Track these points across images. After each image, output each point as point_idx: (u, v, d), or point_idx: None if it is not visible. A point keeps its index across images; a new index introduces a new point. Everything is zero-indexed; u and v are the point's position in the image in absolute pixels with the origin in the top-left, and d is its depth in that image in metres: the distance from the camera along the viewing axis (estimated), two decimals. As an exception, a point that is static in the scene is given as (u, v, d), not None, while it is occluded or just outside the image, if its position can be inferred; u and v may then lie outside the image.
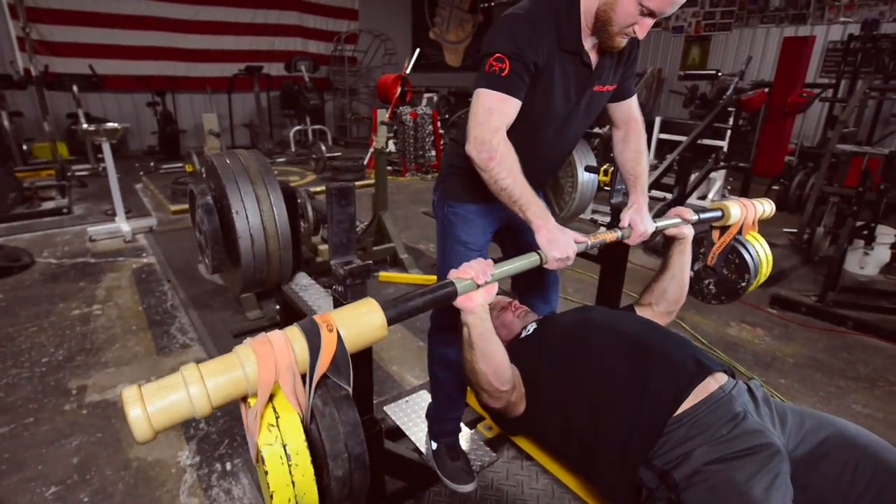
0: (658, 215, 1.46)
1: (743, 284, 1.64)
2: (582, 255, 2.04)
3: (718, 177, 5.53)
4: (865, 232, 3.51)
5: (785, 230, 4.62)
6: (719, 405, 1.07)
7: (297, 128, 8.14)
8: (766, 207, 1.59)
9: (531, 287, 1.71)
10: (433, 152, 7.01)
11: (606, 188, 1.97)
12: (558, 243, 1.15)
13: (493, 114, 1.17)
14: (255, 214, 1.46)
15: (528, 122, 1.28)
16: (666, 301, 1.49)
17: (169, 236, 4.35)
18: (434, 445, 1.69)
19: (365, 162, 6.60)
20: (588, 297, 3.25)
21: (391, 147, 6.68)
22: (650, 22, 1.16)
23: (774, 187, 5.33)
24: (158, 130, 7.37)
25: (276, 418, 0.67)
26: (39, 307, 3.02)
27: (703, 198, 5.59)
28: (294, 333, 0.73)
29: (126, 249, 4.04)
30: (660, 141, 6.39)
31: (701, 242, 1.66)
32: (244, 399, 0.71)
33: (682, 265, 1.47)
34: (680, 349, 1.20)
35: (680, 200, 3.89)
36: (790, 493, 0.94)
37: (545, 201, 1.46)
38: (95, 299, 3.15)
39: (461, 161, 1.39)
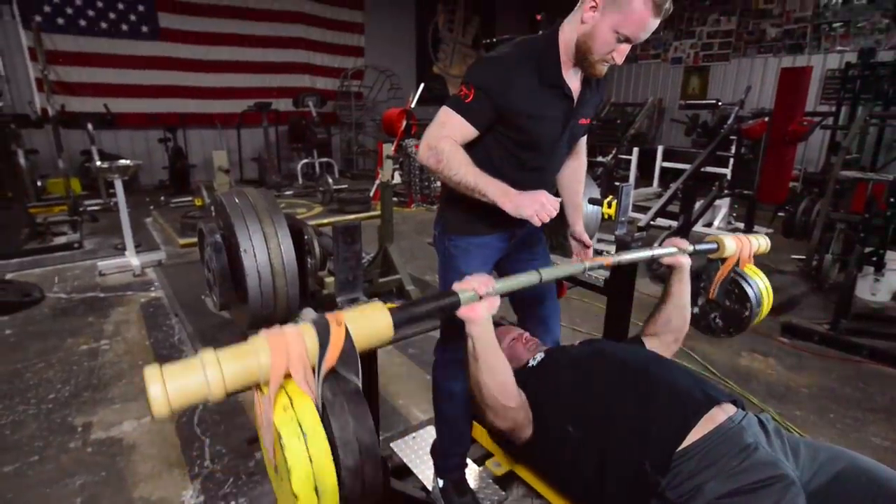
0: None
1: (747, 314, 1.64)
2: (588, 285, 2.05)
3: (723, 204, 5.55)
4: (875, 258, 3.48)
5: (793, 257, 4.59)
6: (729, 436, 1.06)
7: (305, 161, 8.29)
8: (761, 243, 1.62)
9: (533, 317, 1.71)
10: (438, 183, 7.09)
11: (610, 219, 1.98)
12: (524, 202, 1.19)
13: (445, 126, 1.27)
14: (263, 252, 1.48)
15: (516, 152, 1.35)
16: (670, 330, 1.50)
17: (177, 269, 4.39)
18: (441, 483, 1.66)
19: (371, 194, 6.68)
20: (596, 328, 3.22)
21: (397, 178, 6.77)
22: (627, 48, 1.23)
23: (780, 213, 5.32)
24: (169, 165, 7.53)
25: (290, 401, 0.70)
26: (48, 342, 3.03)
27: (709, 225, 5.60)
28: (305, 327, 0.77)
29: (135, 283, 4.08)
30: (663, 169, 6.45)
31: (700, 277, 1.68)
32: (258, 389, 0.74)
33: (681, 293, 1.50)
34: (685, 380, 1.20)
35: (685, 228, 3.90)
36: None
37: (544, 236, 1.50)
38: (103, 334, 3.17)
39: (459, 194, 1.43)
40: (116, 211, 4.32)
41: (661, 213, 4.42)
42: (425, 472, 1.82)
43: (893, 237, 3.25)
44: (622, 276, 1.86)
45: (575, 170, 1.61)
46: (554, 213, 1.21)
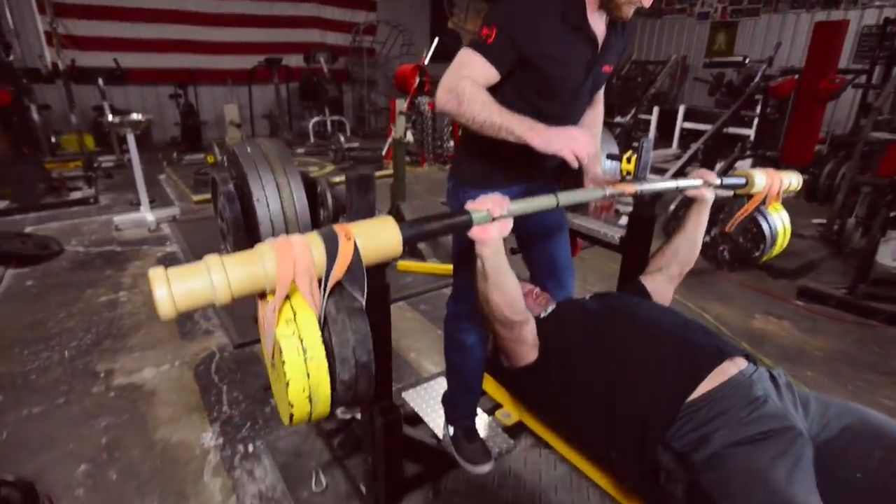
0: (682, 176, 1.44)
1: (757, 254, 1.61)
2: (604, 244, 2.01)
3: (745, 166, 5.40)
4: (900, 223, 3.38)
5: (814, 221, 4.48)
6: (739, 388, 1.05)
7: (316, 118, 8.18)
8: (792, 181, 1.55)
9: (546, 273, 1.69)
10: (451, 142, 6.97)
11: (628, 176, 1.93)
12: (555, 136, 1.14)
13: (465, 67, 1.20)
14: (276, 202, 1.47)
15: (535, 101, 1.29)
16: (677, 262, 1.48)
17: (192, 225, 4.42)
18: (451, 430, 1.70)
19: (383, 152, 6.60)
20: (609, 289, 3.20)
21: (409, 137, 6.68)
22: None
23: (804, 177, 5.18)
24: (181, 122, 7.48)
25: (294, 314, 0.69)
26: (68, 293, 3.11)
27: (728, 188, 5.47)
28: (313, 238, 0.75)
29: (150, 238, 4.13)
30: (683, 130, 6.26)
31: (722, 209, 1.62)
32: (262, 297, 0.73)
33: (697, 227, 1.47)
34: (698, 334, 1.19)
35: (704, 190, 3.80)
36: (812, 477, 0.92)
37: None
38: (122, 286, 3.23)
39: (476, 146, 1.39)
40: (130, 167, 4.33)
41: (679, 174, 4.33)
42: (436, 420, 1.86)
43: (921, 201, 3.14)
44: (639, 233, 1.83)
45: (593, 118, 1.56)
46: (591, 150, 1.15)
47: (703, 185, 1.42)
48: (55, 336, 2.64)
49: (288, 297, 0.72)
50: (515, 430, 1.88)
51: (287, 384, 0.67)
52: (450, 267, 3.41)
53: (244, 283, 0.70)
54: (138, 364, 2.42)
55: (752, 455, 0.93)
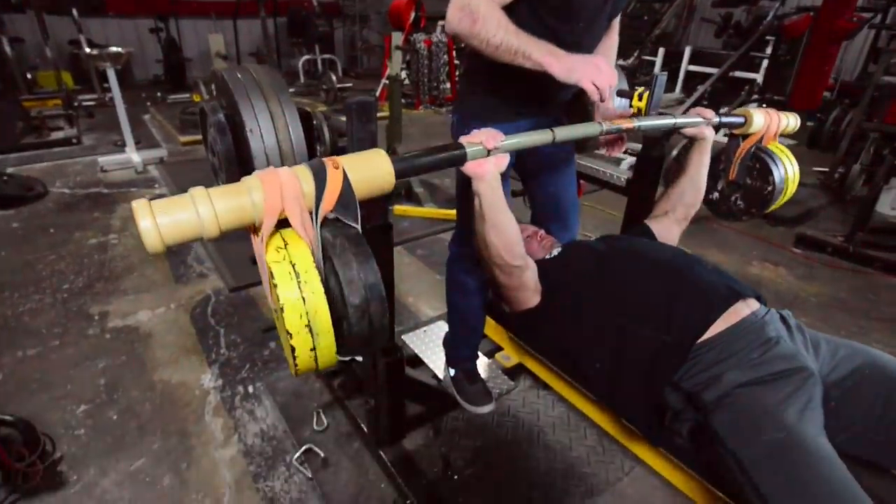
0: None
1: (770, 189, 1.56)
2: (610, 185, 1.96)
3: (749, 112, 5.26)
4: (904, 170, 3.33)
5: (815, 169, 4.43)
6: (751, 329, 1.04)
7: (306, 57, 7.81)
8: (790, 121, 1.51)
9: (550, 214, 1.64)
10: (448, 84, 6.71)
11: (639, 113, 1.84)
12: (577, 64, 1.05)
13: None
14: (271, 133, 1.38)
15: (553, 25, 1.18)
16: (683, 205, 1.44)
17: (180, 167, 4.28)
18: (452, 372, 1.70)
19: (377, 93, 6.35)
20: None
21: (404, 77, 6.41)
22: None
23: (809, 123, 5.07)
24: (163, 59, 7.11)
25: (285, 244, 0.69)
26: (56, 236, 3.03)
27: (731, 135, 5.35)
28: (301, 169, 0.74)
29: (138, 180, 4.00)
30: (688, 73, 6.05)
31: (719, 159, 1.57)
32: (255, 233, 0.72)
33: (700, 166, 1.42)
34: (710, 274, 1.16)
35: (708, 135, 3.70)
36: (821, 417, 0.92)
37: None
38: (111, 229, 3.15)
39: (482, 77, 1.30)
40: (112, 106, 4.14)
41: (683, 119, 4.20)
42: (436, 362, 1.87)
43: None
44: (646, 173, 1.77)
45: (609, 47, 1.45)
46: (613, 82, 1.06)
47: (702, 123, 1.35)
48: (46, 278, 2.59)
49: (279, 230, 0.72)
50: (515, 372, 1.89)
51: (281, 311, 0.66)
52: (447, 212, 3.36)
53: (232, 214, 0.69)
54: (133, 307, 2.39)
55: (764, 394, 0.93)
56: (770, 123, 1.48)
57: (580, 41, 1.24)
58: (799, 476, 0.84)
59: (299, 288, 0.66)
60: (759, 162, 1.55)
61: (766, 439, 0.87)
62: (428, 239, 3.18)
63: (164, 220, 0.65)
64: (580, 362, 1.23)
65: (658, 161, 1.75)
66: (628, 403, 1.16)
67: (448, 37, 6.50)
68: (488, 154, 0.97)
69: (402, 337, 2.02)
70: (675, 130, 1.37)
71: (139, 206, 0.65)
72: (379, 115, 4.85)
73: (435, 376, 1.83)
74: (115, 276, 2.63)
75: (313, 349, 0.70)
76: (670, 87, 6.37)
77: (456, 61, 6.47)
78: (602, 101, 1.09)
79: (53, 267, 2.70)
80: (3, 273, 2.62)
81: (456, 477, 1.53)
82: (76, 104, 5.31)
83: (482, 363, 1.88)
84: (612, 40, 1.45)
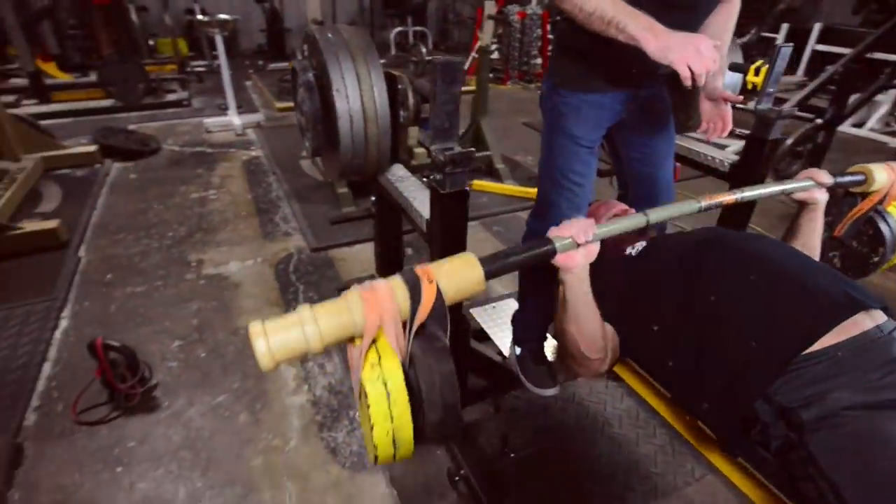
0: (786, 177, 1.21)
1: (876, 260, 1.36)
2: (712, 171, 1.78)
3: (886, 100, 4.61)
4: None
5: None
6: (873, 346, 0.89)
7: (399, 29, 7.88)
8: None
9: (644, 192, 1.51)
10: (539, 59, 6.48)
11: (754, 89, 1.66)
12: (674, 42, 0.94)
13: None
14: (356, 94, 1.39)
15: None
16: None
17: (275, 132, 4.53)
18: (518, 350, 1.66)
19: (466, 66, 6.28)
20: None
21: (494, 51, 6.27)
22: None
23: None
24: (266, 28, 7.50)
25: (379, 359, 0.73)
26: (165, 188, 3.32)
27: (860, 125, 4.72)
28: (397, 283, 0.78)
29: (237, 142, 4.28)
30: (815, 53, 5.37)
31: (829, 210, 1.36)
32: (351, 340, 0.78)
33: (812, 233, 1.24)
34: (826, 278, 1.00)
35: (832, 124, 3.28)
36: None
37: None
38: (211, 185, 3.41)
39: (572, 41, 1.21)
40: (219, 72, 4.43)
41: (803, 105, 3.74)
42: (502, 339, 1.84)
43: None
44: (752, 159, 1.60)
45: (728, 14, 1.30)
46: (712, 68, 0.95)
47: (812, 186, 1.18)
48: (154, 226, 2.86)
49: (374, 342, 0.76)
50: (583, 359, 1.82)
51: (372, 427, 0.71)
52: (527, 189, 3.27)
53: (335, 332, 0.74)
54: (225, 257, 2.58)
55: (880, 423, 0.79)
56: (894, 182, 1.28)
57: (695, 3, 1.12)
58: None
59: (389, 408, 0.71)
60: (873, 227, 1.35)
61: (877, 471, 0.75)
62: (505, 216, 3.12)
63: (275, 340, 0.70)
64: (657, 359, 1.14)
65: (771, 145, 1.58)
66: (709, 409, 1.06)
67: (544, 9, 6.25)
68: (578, 247, 0.94)
69: (471, 310, 2.01)
70: (783, 195, 1.20)
71: (254, 329, 0.71)
72: (467, 89, 4.77)
73: (500, 353, 1.80)
74: (211, 228, 2.85)
75: (393, 455, 0.76)
76: (790, 70, 5.70)
77: (550, 35, 6.22)
78: (694, 88, 0.98)
79: (161, 216, 2.97)
80: (122, 217, 2.93)
81: (513, 455, 1.51)
82: (188, 69, 5.76)
83: (550, 345, 1.82)
84: (731, 5, 1.30)
